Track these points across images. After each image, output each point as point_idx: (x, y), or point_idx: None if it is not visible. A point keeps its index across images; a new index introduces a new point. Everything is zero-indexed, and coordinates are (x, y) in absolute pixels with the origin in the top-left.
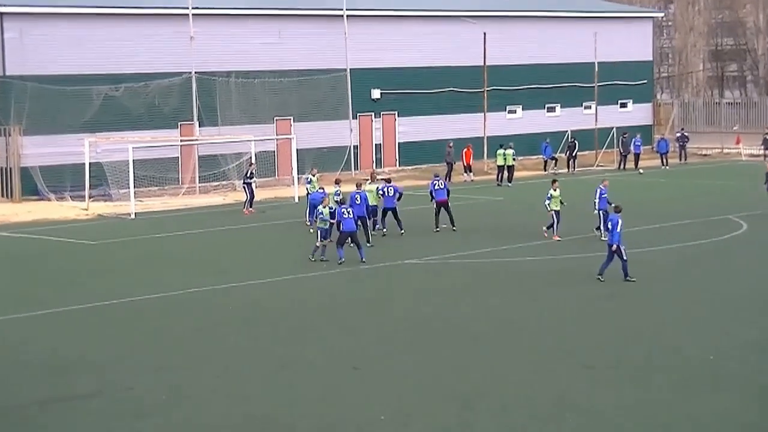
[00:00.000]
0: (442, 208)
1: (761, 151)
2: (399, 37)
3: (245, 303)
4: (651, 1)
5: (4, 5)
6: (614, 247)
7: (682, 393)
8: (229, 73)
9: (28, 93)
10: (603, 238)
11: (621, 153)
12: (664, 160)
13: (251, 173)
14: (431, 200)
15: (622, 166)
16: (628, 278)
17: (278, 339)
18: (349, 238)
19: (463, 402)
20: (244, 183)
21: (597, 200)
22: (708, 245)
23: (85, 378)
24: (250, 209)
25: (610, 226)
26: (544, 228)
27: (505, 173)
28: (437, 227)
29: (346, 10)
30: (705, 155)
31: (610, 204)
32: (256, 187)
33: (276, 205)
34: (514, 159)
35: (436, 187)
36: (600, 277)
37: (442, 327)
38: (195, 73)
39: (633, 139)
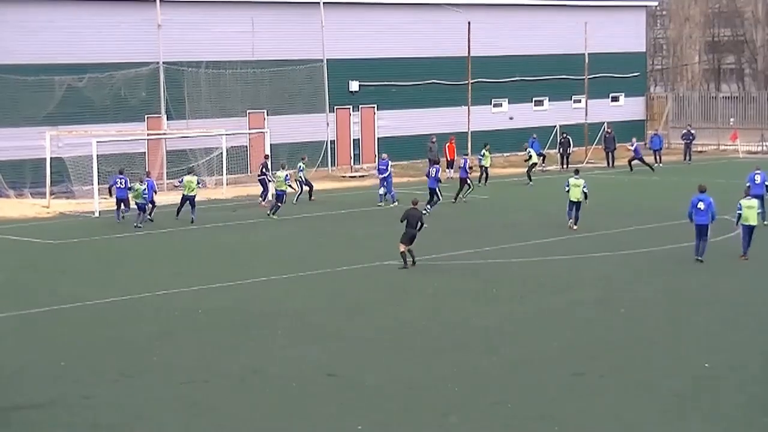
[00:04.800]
0: None
1: (766, 148)
2: (379, 26)
3: (213, 306)
4: None
5: None
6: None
7: (677, 404)
8: (199, 64)
9: None
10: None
11: (604, 149)
12: (657, 157)
13: (266, 167)
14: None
15: (611, 164)
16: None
17: (249, 344)
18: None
19: (443, 412)
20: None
21: (749, 185)
22: None
23: (38, 386)
24: (264, 202)
25: (702, 206)
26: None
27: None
28: None
29: None
30: (701, 152)
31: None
32: (269, 181)
33: (248, 203)
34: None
35: None
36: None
37: (423, 333)
38: (163, 63)
39: (632, 144)
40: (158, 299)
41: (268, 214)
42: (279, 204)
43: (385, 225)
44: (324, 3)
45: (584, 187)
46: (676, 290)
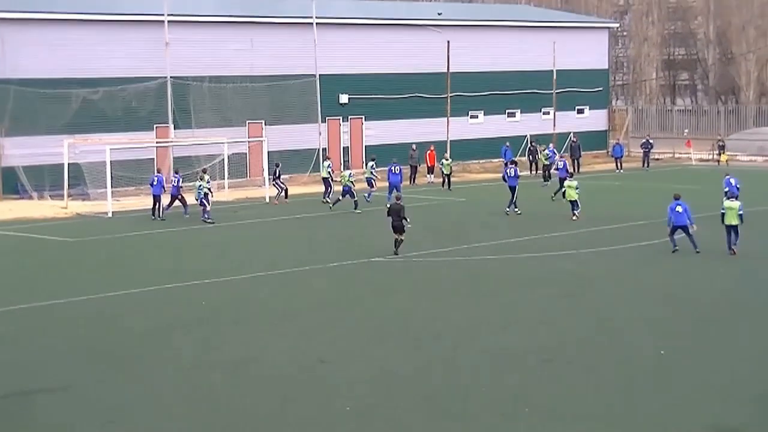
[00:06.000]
0: None
1: (715, 156)
2: (366, 44)
3: (215, 299)
4: (607, 12)
5: None
6: (694, 227)
7: (635, 387)
8: (203, 78)
9: (9, 95)
10: None
11: (571, 157)
12: (619, 164)
13: (278, 172)
14: None
15: (576, 170)
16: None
17: (247, 334)
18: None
19: (425, 396)
20: (274, 181)
21: (726, 188)
22: (662, 246)
23: (55, 372)
24: (280, 200)
25: (681, 210)
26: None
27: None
28: None
29: (316, 18)
30: (657, 159)
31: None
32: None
33: (248, 205)
34: (450, 168)
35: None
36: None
37: (404, 325)
38: (170, 77)
39: (548, 151)
40: (166, 292)
41: (331, 206)
42: (343, 198)
43: (372, 225)
44: (317, 23)
45: (577, 188)
46: (639, 286)
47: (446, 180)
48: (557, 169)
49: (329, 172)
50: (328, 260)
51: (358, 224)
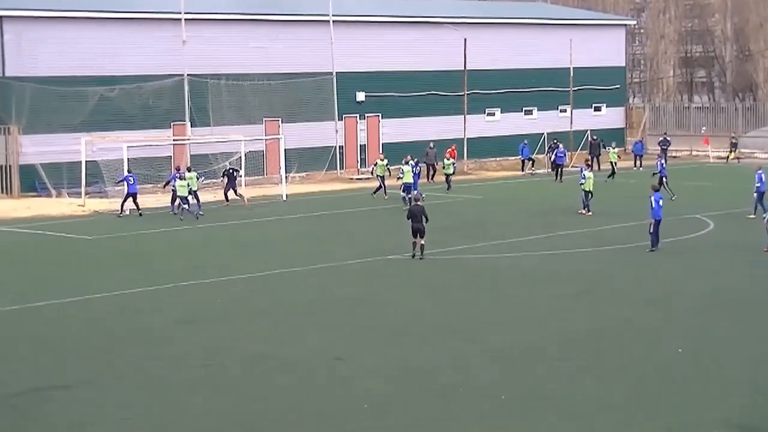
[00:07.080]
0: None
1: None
2: (383, 42)
3: (230, 297)
4: (624, 10)
5: (3, 9)
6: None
7: (649, 384)
8: (220, 76)
9: (27, 93)
10: (751, 216)
11: (590, 154)
12: (638, 162)
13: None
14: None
15: (597, 167)
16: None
17: (261, 331)
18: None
19: (440, 393)
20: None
21: (758, 184)
22: (678, 243)
23: (69, 369)
24: (237, 202)
25: (662, 203)
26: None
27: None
28: None
29: (332, 16)
30: (675, 157)
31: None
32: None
33: (264, 202)
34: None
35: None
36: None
37: (418, 321)
38: (187, 75)
39: (555, 150)
40: (182, 289)
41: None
42: (406, 195)
43: (387, 223)
44: (333, 21)
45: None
46: (654, 284)
47: (446, 180)
48: (660, 171)
49: (387, 170)
50: (343, 258)
51: (374, 222)
